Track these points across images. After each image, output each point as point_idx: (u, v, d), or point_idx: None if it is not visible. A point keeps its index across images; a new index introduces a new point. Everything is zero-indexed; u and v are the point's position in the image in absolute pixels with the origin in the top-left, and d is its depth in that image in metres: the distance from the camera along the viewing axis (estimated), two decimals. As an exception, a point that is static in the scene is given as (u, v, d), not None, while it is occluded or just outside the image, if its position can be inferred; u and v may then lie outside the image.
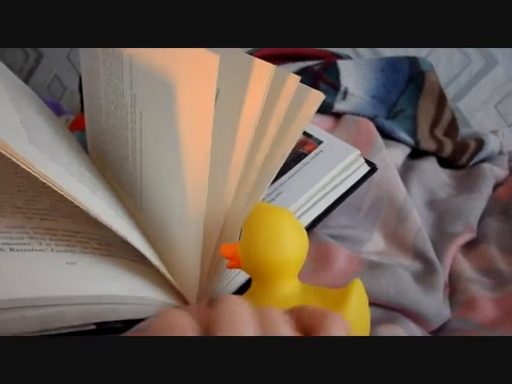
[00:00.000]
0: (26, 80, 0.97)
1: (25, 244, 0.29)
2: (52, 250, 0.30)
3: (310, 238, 0.36)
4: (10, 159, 0.24)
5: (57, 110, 0.71)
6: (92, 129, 0.44)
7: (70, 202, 0.28)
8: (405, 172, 0.49)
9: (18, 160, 0.24)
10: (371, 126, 0.49)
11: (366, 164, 0.39)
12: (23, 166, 0.25)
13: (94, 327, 0.29)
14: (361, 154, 0.39)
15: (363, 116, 0.51)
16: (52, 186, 0.26)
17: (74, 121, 0.60)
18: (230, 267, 0.29)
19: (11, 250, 0.28)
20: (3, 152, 0.24)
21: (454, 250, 0.41)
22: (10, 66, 0.99)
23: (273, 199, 0.36)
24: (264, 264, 0.27)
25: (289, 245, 0.27)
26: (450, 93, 0.77)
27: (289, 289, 0.28)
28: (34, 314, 0.27)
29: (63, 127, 0.45)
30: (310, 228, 0.36)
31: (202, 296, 0.33)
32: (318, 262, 0.34)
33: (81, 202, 0.27)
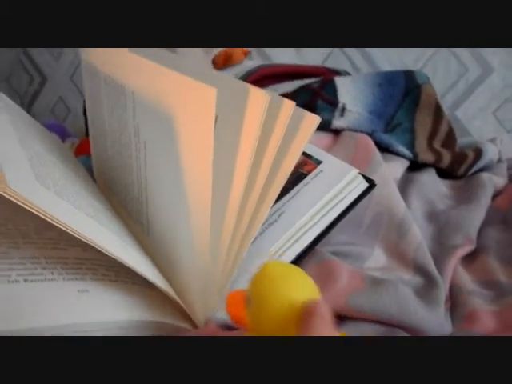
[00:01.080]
0: (31, 103, 0.99)
1: (38, 274, 0.30)
2: (63, 278, 0.31)
3: (312, 257, 0.38)
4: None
5: (62, 133, 0.73)
6: (97, 154, 0.45)
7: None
8: (404, 185, 0.50)
9: (22, 203, 0.26)
10: (370, 141, 0.50)
11: (364, 181, 0.40)
12: (28, 209, 0.26)
13: None
14: (360, 173, 0.40)
15: (361, 132, 0.52)
16: (58, 225, 0.27)
17: (80, 145, 0.62)
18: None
19: (25, 280, 0.29)
20: (6, 195, 0.25)
21: (454, 262, 0.42)
22: (16, 91, 1.01)
23: (275, 220, 0.37)
24: (277, 330, 0.24)
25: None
26: (447, 101, 0.78)
27: None
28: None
29: (69, 155, 0.47)
30: (311, 246, 0.37)
31: (208, 319, 0.34)
32: (320, 280, 0.35)
33: (87, 237, 0.28)
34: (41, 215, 0.26)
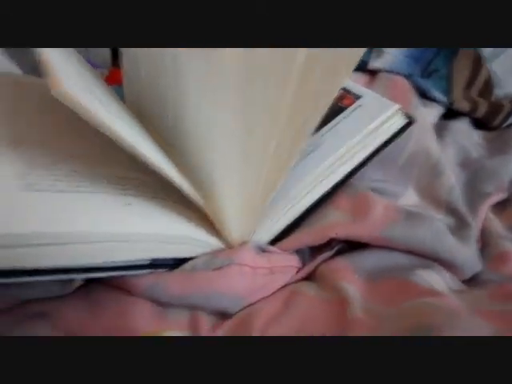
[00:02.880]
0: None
1: (85, 187, 0.30)
2: (109, 193, 0.31)
3: (346, 190, 0.38)
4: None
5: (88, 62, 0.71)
6: (130, 84, 0.44)
7: (119, 149, 0.29)
8: (438, 132, 0.49)
9: (78, 108, 0.25)
10: (407, 83, 0.49)
11: (404, 117, 0.39)
12: (82, 115, 0.26)
13: (149, 262, 0.31)
14: (400, 108, 0.39)
15: (398, 74, 0.51)
16: (108, 132, 0.27)
17: (109, 75, 0.61)
18: None
19: (78, 191, 0.30)
20: (62, 99, 0.25)
21: (485, 208, 0.41)
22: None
23: (313, 150, 0.37)
24: None
25: None
26: (484, 53, 0.75)
27: None
28: (96, 247, 0.28)
29: (102, 80, 0.46)
30: (347, 179, 0.37)
31: (244, 239, 0.34)
32: (355, 211, 0.35)
33: (130, 143, 0.28)
34: (92, 121, 0.26)
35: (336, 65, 0.33)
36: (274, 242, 0.35)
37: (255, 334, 0.28)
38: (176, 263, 0.32)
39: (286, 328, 0.28)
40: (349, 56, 0.33)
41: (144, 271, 0.31)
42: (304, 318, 0.29)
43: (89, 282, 0.32)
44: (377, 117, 0.38)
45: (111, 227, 0.29)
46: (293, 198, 0.35)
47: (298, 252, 0.35)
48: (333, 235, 0.34)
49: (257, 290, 0.32)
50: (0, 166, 0.29)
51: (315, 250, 0.36)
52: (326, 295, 0.31)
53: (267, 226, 0.35)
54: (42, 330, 0.29)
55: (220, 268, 0.31)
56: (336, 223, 0.34)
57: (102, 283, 0.32)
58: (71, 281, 0.31)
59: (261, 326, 0.29)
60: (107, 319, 0.30)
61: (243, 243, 0.34)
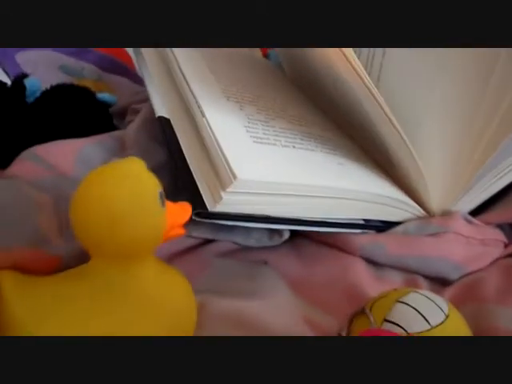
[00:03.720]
0: None
1: (300, 143, 0.31)
2: (321, 150, 0.32)
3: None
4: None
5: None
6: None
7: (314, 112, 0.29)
8: None
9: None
10: None
11: None
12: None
13: (362, 222, 0.31)
14: None
15: None
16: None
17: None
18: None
19: (294, 147, 0.30)
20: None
21: None
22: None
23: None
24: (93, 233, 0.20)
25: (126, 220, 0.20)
26: None
27: (140, 274, 0.22)
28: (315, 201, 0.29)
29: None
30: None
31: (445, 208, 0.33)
32: None
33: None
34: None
35: None
36: (473, 214, 0.34)
37: (488, 303, 0.27)
38: (386, 227, 0.32)
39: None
40: None
41: (356, 231, 0.31)
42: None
43: (294, 236, 0.33)
44: None
45: (329, 182, 0.29)
46: (500, 172, 0.34)
47: (499, 227, 0.34)
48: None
49: (473, 260, 0.31)
50: (229, 118, 0.30)
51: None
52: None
53: (469, 197, 0.34)
54: (270, 273, 0.30)
55: (436, 234, 0.31)
56: None
57: (308, 238, 0.33)
58: (279, 233, 0.32)
59: (492, 297, 0.28)
60: (325, 272, 0.30)
61: (447, 212, 0.33)
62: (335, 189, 0.29)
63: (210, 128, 0.28)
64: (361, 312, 0.23)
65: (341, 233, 0.31)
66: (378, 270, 0.31)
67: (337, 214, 0.30)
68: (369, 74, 0.30)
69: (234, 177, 0.25)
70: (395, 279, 0.31)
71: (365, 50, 0.35)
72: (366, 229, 0.32)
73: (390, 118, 0.29)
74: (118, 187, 0.20)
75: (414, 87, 0.33)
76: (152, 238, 0.21)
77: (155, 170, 0.37)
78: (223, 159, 0.26)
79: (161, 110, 0.33)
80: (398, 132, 0.29)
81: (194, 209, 0.23)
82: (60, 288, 0.21)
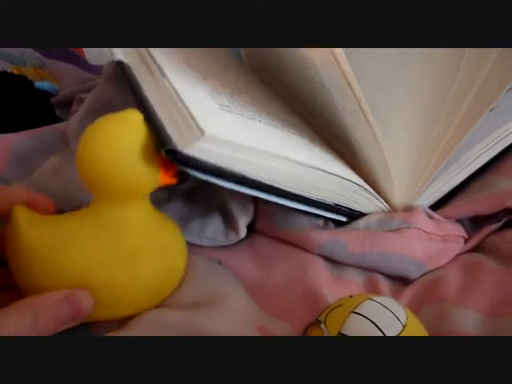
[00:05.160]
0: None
1: (266, 120, 0.29)
2: (288, 131, 0.30)
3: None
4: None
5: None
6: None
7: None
8: None
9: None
10: None
11: None
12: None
13: (332, 204, 0.30)
14: None
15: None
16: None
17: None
18: None
19: (260, 121, 0.29)
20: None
21: None
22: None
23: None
24: (96, 176, 0.23)
25: (129, 160, 0.23)
26: None
27: (136, 211, 0.24)
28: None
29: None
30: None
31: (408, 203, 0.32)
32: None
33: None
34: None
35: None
36: (432, 208, 0.34)
37: (447, 303, 0.27)
38: (354, 214, 0.31)
39: (480, 300, 0.27)
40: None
41: (327, 213, 0.30)
42: (496, 291, 0.27)
43: (251, 234, 0.31)
44: None
45: (298, 157, 0.27)
46: (460, 165, 0.33)
47: (458, 221, 0.33)
48: (510, 204, 0.31)
49: (434, 257, 0.30)
50: (192, 83, 0.29)
51: (476, 222, 0.33)
52: (512, 269, 0.29)
53: (430, 191, 0.33)
54: (226, 274, 0.29)
55: (397, 230, 0.30)
56: None
57: (266, 236, 0.32)
58: (235, 230, 0.31)
59: (452, 297, 0.27)
60: (282, 274, 0.29)
61: (409, 207, 0.32)
62: (303, 163, 0.27)
63: (174, 88, 0.26)
64: (315, 323, 0.22)
65: (303, 228, 0.30)
66: (338, 270, 0.30)
67: (305, 189, 0.28)
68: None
69: (202, 132, 0.22)
70: (355, 279, 0.30)
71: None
72: (335, 212, 0.30)
73: (363, 109, 0.27)
74: (120, 134, 0.23)
75: (376, 83, 0.32)
76: (148, 182, 0.24)
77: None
78: (188, 113, 0.24)
79: (119, 56, 0.30)
80: (370, 124, 0.28)
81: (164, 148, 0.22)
82: (65, 223, 0.24)
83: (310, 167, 0.27)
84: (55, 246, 0.23)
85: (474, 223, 0.33)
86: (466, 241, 0.32)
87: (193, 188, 0.36)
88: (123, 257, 0.24)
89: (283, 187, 0.26)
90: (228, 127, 0.25)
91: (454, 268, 0.30)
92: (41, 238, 0.23)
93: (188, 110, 0.24)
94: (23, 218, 0.23)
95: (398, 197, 0.32)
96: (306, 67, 0.29)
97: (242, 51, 0.46)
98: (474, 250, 0.32)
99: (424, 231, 0.30)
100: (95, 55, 0.52)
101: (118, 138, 0.23)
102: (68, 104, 0.42)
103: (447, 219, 0.32)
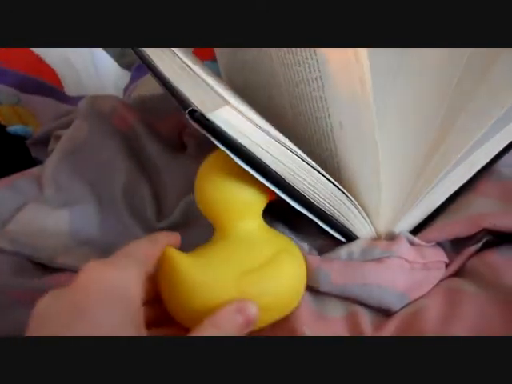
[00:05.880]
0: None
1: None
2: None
3: (488, 176, 0.35)
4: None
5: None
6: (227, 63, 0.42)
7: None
8: None
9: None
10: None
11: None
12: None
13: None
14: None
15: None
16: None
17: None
18: None
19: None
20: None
21: None
22: None
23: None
24: (215, 204, 0.28)
25: (237, 184, 0.27)
26: None
27: (250, 229, 0.28)
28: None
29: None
30: (490, 164, 0.34)
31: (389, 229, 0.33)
32: (508, 200, 0.33)
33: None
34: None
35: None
36: (413, 231, 0.34)
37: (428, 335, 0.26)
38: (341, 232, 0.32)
39: (460, 330, 0.27)
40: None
41: (321, 223, 0.31)
42: (477, 318, 0.27)
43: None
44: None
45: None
46: (441, 187, 0.33)
47: (439, 244, 0.33)
48: (487, 225, 0.31)
49: (416, 287, 0.30)
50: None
51: (456, 243, 0.33)
52: (493, 294, 0.29)
53: (412, 215, 0.33)
54: None
55: (379, 259, 0.30)
56: (490, 212, 0.32)
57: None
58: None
59: (433, 329, 0.27)
60: None
61: (391, 233, 0.32)
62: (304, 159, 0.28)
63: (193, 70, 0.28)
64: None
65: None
66: (320, 303, 0.30)
67: (307, 191, 0.29)
68: (314, 90, 0.29)
69: (227, 102, 0.25)
70: (336, 315, 0.29)
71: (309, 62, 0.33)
72: (330, 226, 0.31)
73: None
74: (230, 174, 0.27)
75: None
76: (261, 199, 0.28)
77: (78, 207, 0.34)
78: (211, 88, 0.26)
79: None
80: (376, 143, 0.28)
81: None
82: (206, 254, 0.27)
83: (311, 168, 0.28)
84: (209, 273, 0.25)
85: (455, 244, 0.33)
86: (447, 265, 0.32)
87: (175, 225, 0.36)
88: (266, 265, 0.26)
89: (288, 181, 0.27)
90: (245, 108, 0.26)
91: (435, 296, 0.30)
92: (197, 272, 0.25)
93: (211, 86, 0.26)
94: (180, 258, 0.25)
95: (382, 223, 0.32)
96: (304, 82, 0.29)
97: (222, 73, 0.46)
98: (456, 273, 0.32)
99: (406, 260, 0.30)
100: (73, 87, 0.52)
101: (230, 177, 0.27)
102: (45, 142, 0.42)
103: (428, 243, 0.32)
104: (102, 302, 0.19)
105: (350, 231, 0.32)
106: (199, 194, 0.28)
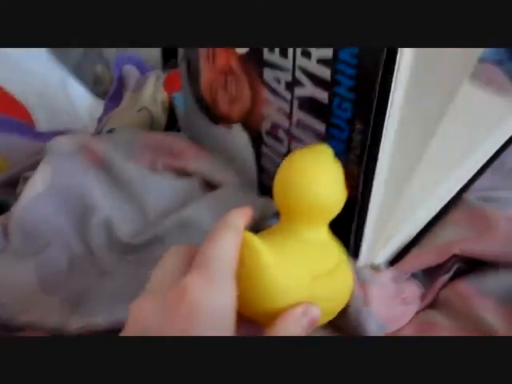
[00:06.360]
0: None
1: None
2: None
3: (460, 205, 0.35)
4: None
5: (140, 67, 0.69)
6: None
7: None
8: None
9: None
10: (498, 70, 0.46)
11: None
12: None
13: None
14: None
15: (486, 61, 0.47)
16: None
17: (167, 79, 0.58)
18: None
19: None
20: None
21: None
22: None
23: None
24: (303, 200, 0.26)
25: (327, 187, 0.27)
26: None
27: (318, 234, 0.28)
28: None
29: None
30: (461, 193, 0.35)
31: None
32: (476, 227, 0.33)
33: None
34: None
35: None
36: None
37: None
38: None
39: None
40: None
41: None
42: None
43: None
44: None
45: None
46: (415, 219, 0.33)
47: (412, 274, 0.33)
48: (457, 252, 0.31)
49: (395, 320, 0.30)
50: None
51: (429, 272, 0.33)
52: (463, 325, 0.29)
53: (388, 249, 0.33)
54: None
55: (364, 282, 0.31)
56: (459, 239, 0.32)
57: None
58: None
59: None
60: None
61: (374, 266, 0.33)
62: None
63: None
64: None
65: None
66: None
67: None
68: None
69: None
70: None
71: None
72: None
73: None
74: (313, 171, 0.26)
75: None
76: (341, 202, 0.27)
77: (45, 255, 0.34)
78: None
79: None
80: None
81: None
82: (280, 244, 0.26)
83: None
84: (291, 277, 0.25)
85: (427, 273, 0.33)
86: (422, 296, 0.32)
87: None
88: (332, 272, 0.26)
89: None
90: None
91: (409, 330, 0.30)
92: (281, 274, 0.24)
93: None
94: (265, 254, 0.24)
95: (363, 256, 0.32)
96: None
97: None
98: (430, 304, 0.32)
99: (388, 295, 0.31)
100: (46, 122, 0.52)
101: (313, 176, 0.26)
102: (14, 184, 0.41)
103: (404, 274, 0.32)
104: (205, 325, 0.21)
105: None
106: (289, 185, 0.27)
